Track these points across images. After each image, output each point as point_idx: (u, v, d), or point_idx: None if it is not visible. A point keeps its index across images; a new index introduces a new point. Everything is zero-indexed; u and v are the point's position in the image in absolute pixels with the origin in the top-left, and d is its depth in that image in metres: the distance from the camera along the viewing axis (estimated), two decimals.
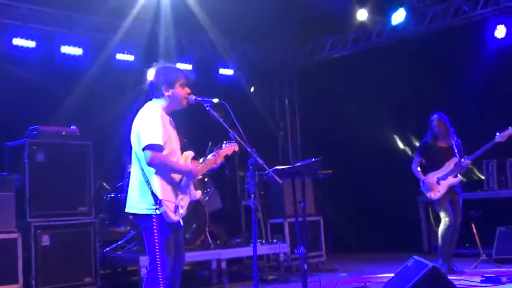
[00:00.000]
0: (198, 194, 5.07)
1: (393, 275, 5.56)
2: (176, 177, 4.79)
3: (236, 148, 5.16)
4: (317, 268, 9.14)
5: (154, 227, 4.61)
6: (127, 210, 4.84)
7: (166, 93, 4.85)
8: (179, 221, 4.72)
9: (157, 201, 4.57)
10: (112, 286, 8.08)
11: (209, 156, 5.06)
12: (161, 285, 4.59)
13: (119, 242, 8.31)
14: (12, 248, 7.01)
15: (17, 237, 7.07)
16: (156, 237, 4.60)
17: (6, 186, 7.17)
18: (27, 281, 7.07)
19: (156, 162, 4.60)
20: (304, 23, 10.74)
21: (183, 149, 5.04)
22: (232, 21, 9.84)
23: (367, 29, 11.09)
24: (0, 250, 6.92)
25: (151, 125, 4.68)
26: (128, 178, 8.31)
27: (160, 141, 4.62)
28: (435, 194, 8.02)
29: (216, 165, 5.07)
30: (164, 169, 4.67)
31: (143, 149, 4.61)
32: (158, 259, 4.59)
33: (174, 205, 4.67)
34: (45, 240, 7.26)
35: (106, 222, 8.48)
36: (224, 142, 5.09)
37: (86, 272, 7.52)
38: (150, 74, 4.95)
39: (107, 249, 8.28)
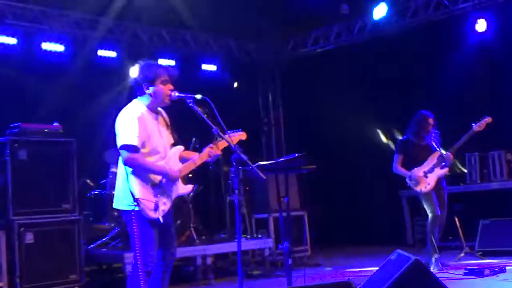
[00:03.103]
0: (187, 188, 5.09)
1: (377, 269, 5.59)
2: (156, 176, 4.81)
3: (244, 136, 5.18)
4: (301, 263, 9.16)
5: (134, 223, 4.68)
6: (114, 205, 4.94)
7: (147, 91, 4.87)
8: (158, 218, 4.74)
9: (134, 199, 4.64)
10: (97, 283, 8.07)
11: (205, 150, 5.07)
12: (141, 278, 4.63)
13: (104, 239, 8.29)
14: None
15: (1, 235, 7.02)
16: (135, 232, 4.67)
17: None
18: (11, 279, 7.02)
19: (130, 162, 4.71)
20: (287, 18, 10.75)
21: (174, 144, 5.07)
22: (214, 17, 9.83)
23: (349, 23, 11.13)
24: None
25: (126, 125, 4.74)
26: (112, 175, 8.39)
27: (134, 142, 4.68)
28: (426, 187, 7.92)
29: (211, 158, 5.07)
30: (139, 170, 4.72)
31: (119, 149, 4.71)
32: (137, 254, 4.66)
33: (154, 203, 4.71)
34: (29, 238, 7.22)
35: (90, 219, 8.45)
36: (229, 131, 5.07)
37: (71, 269, 7.48)
38: (134, 71, 4.97)
39: (92, 246, 8.24)
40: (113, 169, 8.49)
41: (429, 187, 7.95)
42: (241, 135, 5.23)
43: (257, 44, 11.99)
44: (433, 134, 8.11)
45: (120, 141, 4.73)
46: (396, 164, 8.20)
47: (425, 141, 8.13)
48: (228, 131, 5.06)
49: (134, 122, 4.73)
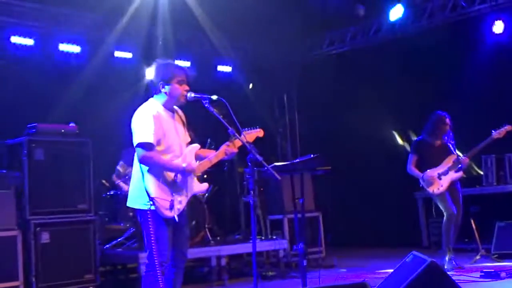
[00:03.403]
0: (203, 186, 5.10)
1: (392, 270, 5.56)
2: (171, 174, 4.82)
3: (261, 133, 5.17)
4: (316, 264, 9.15)
5: (150, 222, 4.70)
6: (128, 204, 4.93)
7: (163, 90, 4.90)
8: (174, 217, 4.74)
9: (150, 198, 4.64)
10: (112, 283, 8.09)
11: (221, 147, 5.08)
12: (158, 278, 4.64)
13: (119, 239, 8.32)
14: (12, 246, 7.01)
15: (17, 235, 7.07)
16: (151, 231, 4.68)
17: (6, 184, 7.18)
18: (27, 278, 7.08)
19: (146, 160, 4.72)
20: (302, 20, 10.74)
21: (191, 142, 5.08)
22: (230, 18, 9.84)
23: (365, 25, 11.10)
24: (0, 248, 6.92)
25: (142, 123, 4.76)
26: (117, 171, 8.45)
27: (150, 139, 4.70)
28: (438, 188, 7.90)
29: (228, 156, 5.07)
30: (155, 167, 4.73)
31: (135, 147, 4.73)
32: (154, 254, 4.66)
33: (169, 201, 4.72)
34: (45, 238, 7.27)
35: (106, 219, 8.50)
36: (246, 129, 5.08)
37: (86, 269, 7.52)
38: (151, 71, 5.00)
39: (107, 246, 8.29)
40: (119, 166, 8.54)
41: (441, 189, 7.91)
42: (258, 132, 5.22)
43: (272, 46, 11.97)
44: (450, 135, 8.08)
45: (135, 139, 4.75)
46: (410, 165, 8.17)
47: (441, 141, 8.09)
48: (245, 129, 5.07)
49: (149, 120, 4.75)
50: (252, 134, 5.16)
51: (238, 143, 5.07)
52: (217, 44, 11.04)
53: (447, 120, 8.07)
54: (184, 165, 4.85)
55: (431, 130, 8.13)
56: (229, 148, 5.04)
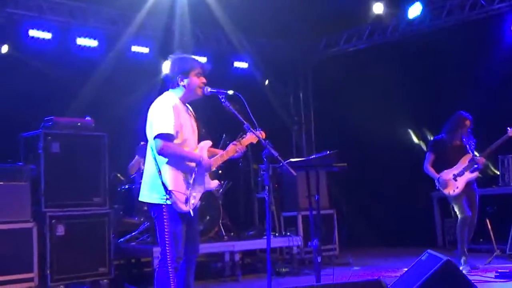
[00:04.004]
0: (214, 183, 5.08)
1: (406, 269, 5.54)
2: (188, 167, 4.80)
3: (263, 135, 5.14)
4: (330, 262, 9.12)
5: (165, 217, 4.67)
6: (140, 198, 4.90)
7: (181, 83, 4.90)
8: (189, 211, 4.73)
9: (167, 191, 4.61)
10: (126, 277, 8.12)
11: (230, 145, 5.07)
12: (170, 274, 4.62)
13: (133, 233, 8.35)
14: (28, 238, 7.07)
15: (32, 227, 7.12)
16: (166, 227, 4.66)
17: (22, 176, 7.22)
18: (42, 271, 7.13)
19: (165, 151, 4.67)
20: (319, 17, 10.70)
21: (202, 139, 5.07)
22: (247, 14, 9.83)
23: (382, 23, 11.04)
24: (15, 240, 6.98)
25: (162, 114, 4.72)
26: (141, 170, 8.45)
27: (170, 131, 4.67)
28: (454, 190, 7.84)
29: (238, 153, 5.07)
30: (174, 158, 4.72)
31: (154, 138, 4.68)
32: (167, 248, 4.63)
33: (185, 196, 4.71)
34: (60, 230, 7.31)
35: (121, 212, 8.53)
36: (254, 129, 5.07)
37: (100, 262, 7.56)
38: (166, 65, 4.98)
39: (121, 239, 8.32)
40: (134, 161, 8.55)
41: (457, 191, 7.85)
42: (260, 134, 5.15)
43: (289, 43, 11.96)
44: (470, 136, 8.02)
45: (155, 130, 4.69)
46: (427, 164, 8.10)
47: (460, 141, 8.02)
48: (258, 129, 5.05)
49: (169, 111, 4.72)
50: (253, 137, 5.10)
51: (245, 141, 5.06)
52: (234, 40, 11.03)
53: (468, 122, 7.99)
54: (202, 157, 4.83)
55: (451, 129, 8.05)
56: (237, 147, 5.03)
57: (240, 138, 5.06)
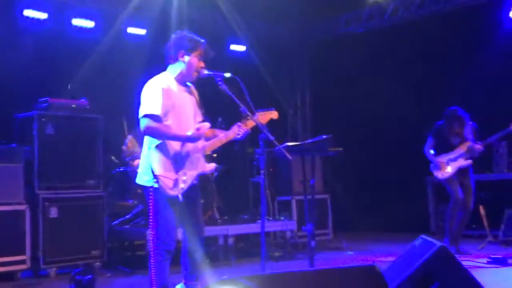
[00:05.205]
0: (210, 166, 5.05)
1: (400, 254, 5.54)
2: (177, 150, 4.77)
3: (275, 115, 5.13)
4: (323, 246, 9.14)
5: (151, 199, 4.69)
6: (136, 180, 4.94)
7: (181, 59, 4.86)
8: (177, 195, 4.71)
9: (154, 176, 4.62)
10: (119, 260, 8.11)
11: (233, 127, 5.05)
12: (158, 254, 4.67)
13: (127, 216, 8.32)
14: (20, 220, 7.05)
15: (25, 209, 7.10)
16: (153, 210, 4.67)
17: (15, 158, 7.18)
18: (34, 253, 7.11)
19: (151, 131, 4.69)
20: (317, 1, 10.63)
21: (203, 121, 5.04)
22: None
23: (381, 7, 10.98)
24: (8, 222, 6.95)
25: (150, 95, 4.73)
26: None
27: (157, 111, 4.67)
28: (442, 174, 8.06)
29: (240, 135, 5.03)
30: (160, 138, 4.71)
31: (141, 118, 4.68)
32: (155, 231, 4.68)
33: (173, 180, 4.68)
34: (53, 213, 7.29)
35: (114, 195, 8.50)
36: (260, 110, 5.05)
37: (94, 245, 7.56)
38: (172, 39, 4.93)
39: (115, 222, 8.29)
40: (127, 141, 8.48)
41: (446, 175, 8.04)
42: (272, 114, 5.19)
43: (286, 26, 11.88)
44: (469, 125, 8.07)
45: (142, 111, 4.72)
46: (427, 147, 8.27)
47: (460, 129, 8.10)
48: (259, 110, 5.03)
49: (158, 92, 4.72)
50: (266, 115, 5.12)
51: (250, 123, 5.02)
52: (231, 23, 10.95)
53: (459, 114, 8.06)
54: (189, 133, 4.77)
55: (447, 126, 8.17)
56: (241, 128, 5.00)
57: (245, 119, 5.02)
